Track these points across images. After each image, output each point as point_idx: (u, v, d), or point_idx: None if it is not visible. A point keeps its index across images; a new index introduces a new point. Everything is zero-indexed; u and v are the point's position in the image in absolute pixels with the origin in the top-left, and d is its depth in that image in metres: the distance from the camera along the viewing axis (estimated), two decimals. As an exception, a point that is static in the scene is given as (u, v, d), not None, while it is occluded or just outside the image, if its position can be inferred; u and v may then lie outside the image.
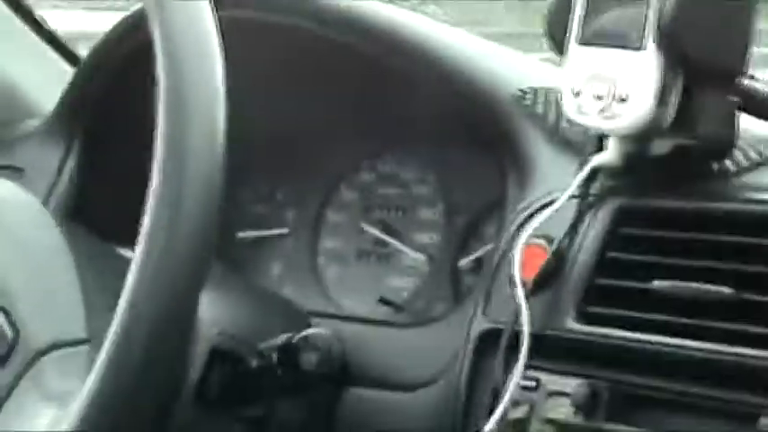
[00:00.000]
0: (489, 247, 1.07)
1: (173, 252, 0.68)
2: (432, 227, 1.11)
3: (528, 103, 0.98)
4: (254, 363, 0.89)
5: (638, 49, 0.84)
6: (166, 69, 0.73)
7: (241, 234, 1.19)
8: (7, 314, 0.78)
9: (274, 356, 0.88)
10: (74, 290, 0.81)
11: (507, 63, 1.03)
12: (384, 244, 1.13)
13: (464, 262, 1.08)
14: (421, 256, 1.11)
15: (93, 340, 0.78)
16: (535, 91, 0.98)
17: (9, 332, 0.78)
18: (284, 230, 1.18)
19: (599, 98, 0.86)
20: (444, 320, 0.99)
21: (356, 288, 1.13)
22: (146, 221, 0.69)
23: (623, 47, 0.85)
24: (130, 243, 0.95)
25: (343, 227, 1.16)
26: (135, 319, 0.68)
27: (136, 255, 0.69)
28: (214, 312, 0.77)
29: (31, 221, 0.86)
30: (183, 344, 0.72)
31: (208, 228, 0.69)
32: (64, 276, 0.82)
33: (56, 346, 0.78)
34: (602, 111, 0.86)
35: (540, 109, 0.97)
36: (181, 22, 0.74)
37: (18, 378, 0.77)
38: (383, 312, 1.09)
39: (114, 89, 1.16)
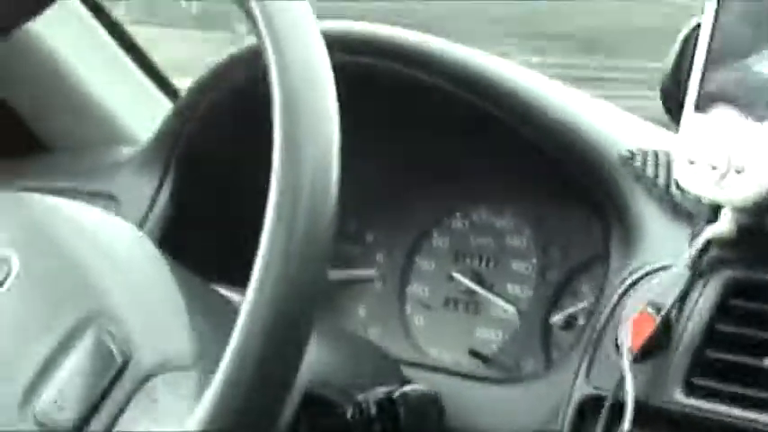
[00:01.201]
0: (583, 304, 1.05)
1: (288, 281, 0.70)
2: (524, 280, 1.10)
3: (637, 164, 0.97)
4: (350, 413, 0.88)
5: (760, 119, 0.83)
6: (282, 107, 0.73)
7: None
8: (116, 337, 0.79)
9: (373, 409, 0.87)
10: (179, 315, 0.82)
11: (615, 121, 1.02)
12: (473, 294, 1.12)
13: (556, 318, 1.07)
14: (511, 309, 1.09)
15: (200, 365, 0.79)
16: (644, 153, 0.97)
17: (119, 354, 0.78)
18: (372, 272, 1.17)
19: (715, 168, 0.85)
20: (538, 380, 0.98)
21: (444, 337, 1.12)
22: (261, 251, 0.71)
23: (744, 116, 0.84)
24: (219, 279, 0.95)
25: (432, 274, 1.15)
26: (251, 342, 0.70)
27: (251, 282, 0.71)
28: (306, 357, 0.77)
29: (134, 247, 0.87)
30: (293, 375, 0.73)
31: (321, 261, 0.71)
32: (169, 302, 0.82)
33: (165, 368, 0.79)
34: (717, 181, 0.84)
35: (650, 172, 0.96)
36: (298, 62, 0.74)
37: (129, 399, 0.77)
38: (472, 364, 1.08)
39: (213, 125, 1.15)
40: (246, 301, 0.71)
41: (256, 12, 0.76)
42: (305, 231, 0.71)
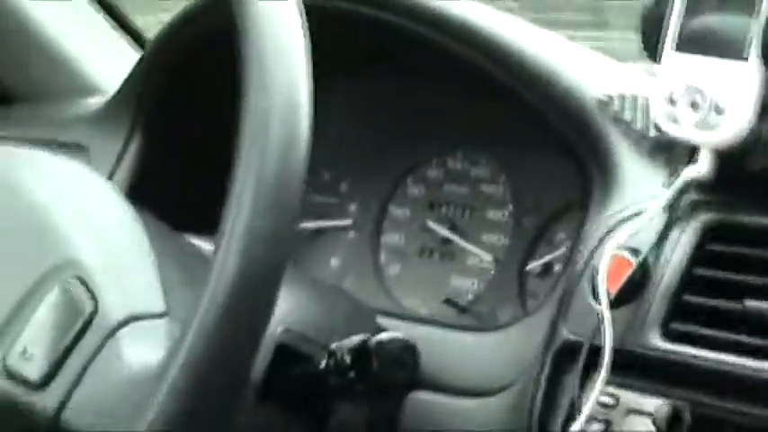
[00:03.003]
0: (559, 252, 1.04)
1: (258, 228, 0.70)
2: (500, 228, 1.09)
3: (615, 108, 0.95)
4: (324, 363, 0.87)
5: (740, 59, 0.81)
6: (250, 54, 0.72)
7: (301, 224, 1.17)
8: (85, 285, 0.78)
9: (347, 358, 0.86)
10: (148, 264, 0.81)
11: (594, 67, 1.00)
12: (449, 242, 1.11)
13: (532, 266, 1.06)
14: (487, 257, 1.08)
15: (170, 314, 0.78)
16: (622, 96, 0.96)
17: (88, 303, 0.77)
18: (347, 222, 1.16)
19: (694, 108, 0.83)
20: (514, 327, 0.97)
21: (418, 287, 1.11)
22: (230, 198, 0.70)
23: (723, 56, 0.82)
24: (191, 228, 0.94)
25: (407, 222, 1.14)
26: (222, 290, 0.69)
27: (220, 230, 0.70)
28: (278, 308, 0.76)
29: (102, 197, 0.86)
30: (264, 323, 0.72)
31: (291, 208, 0.71)
32: (138, 251, 0.81)
33: (134, 318, 0.78)
34: (697, 121, 0.83)
35: (627, 115, 0.94)
36: (266, 7, 0.73)
37: (99, 349, 0.76)
38: (447, 313, 1.07)
39: (180, 74, 1.14)
40: (216, 249, 0.70)
41: None
42: (274, 179, 0.70)
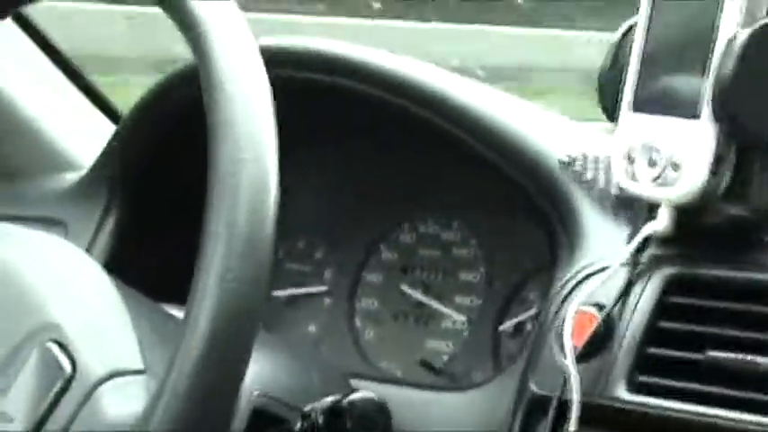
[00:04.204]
0: (531, 312, 1.06)
1: (230, 283, 0.71)
2: (472, 290, 1.11)
3: (577, 168, 0.97)
4: (299, 425, 0.88)
5: (694, 117, 0.84)
6: (218, 124, 0.74)
7: (277, 292, 1.18)
8: (63, 347, 0.79)
9: (320, 419, 0.87)
10: (125, 324, 0.82)
11: (555, 128, 1.02)
12: (423, 306, 1.12)
13: (505, 326, 1.08)
14: (461, 318, 1.10)
15: (148, 371, 0.79)
16: (584, 157, 0.98)
17: (67, 364, 0.79)
18: (322, 289, 1.17)
19: (652, 165, 0.85)
20: (486, 386, 0.98)
21: (394, 350, 1.12)
22: (200, 264, 0.72)
23: (678, 115, 0.85)
24: (168, 300, 0.95)
25: (381, 287, 1.15)
26: (194, 353, 0.71)
27: (191, 294, 0.72)
28: (253, 373, 0.77)
29: (78, 264, 0.87)
30: (236, 384, 0.74)
31: (261, 272, 0.72)
32: (114, 312, 0.83)
33: (114, 374, 0.79)
34: (655, 178, 0.85)
35: (589, 175, 0.97)
36: (234, 80, 0.75)
37: (80, 407, 0.77)
38: (422, 375, 1.08)
39: (155, 146, 1.16)
40: (189, 307, 0.72)
41: (194, 31, 0.77)
42: (243, 246, 0.71)
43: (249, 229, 0.72)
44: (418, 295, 1.12)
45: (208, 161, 0.73)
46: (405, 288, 1.13)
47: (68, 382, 0.78)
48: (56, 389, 0.78)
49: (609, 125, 0.90)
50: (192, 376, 0.70)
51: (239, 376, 0.72)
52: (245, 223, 0.71)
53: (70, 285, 0.84)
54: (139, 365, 0.79)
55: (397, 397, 0.98)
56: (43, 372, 0.79)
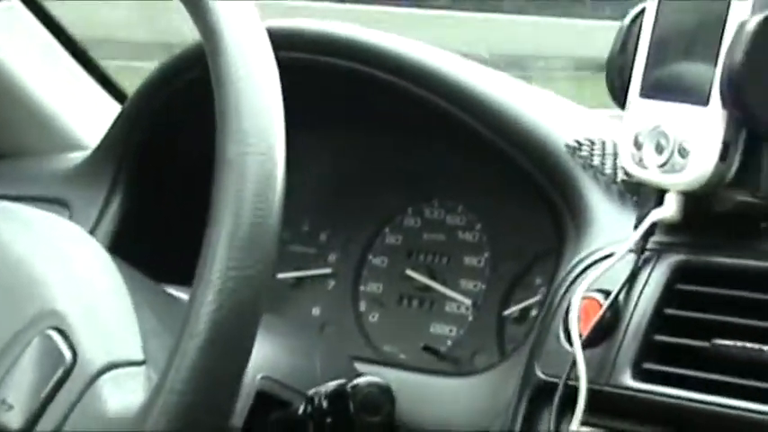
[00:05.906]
0: (536, 298, 1.06)
1: (234, 271, 0.70)
2: (477, 275, 1.10)
3: (584, 153, 0.97)
4: (302, 409, 0.88)
5: (703, 104, 0.83)
6: (225, 105, 0.74)
7: (282, 275, 1.18)
8: (64, 335, 0.79)
9: (324, 403, 0.87)
10: (127, 313, 0.82)
11: (562, 113, 1.02)
12: (427, 290, 1.12)
13: (510, 311, 1.07)
14: (466, 303, 1.10)
15: (149, 361, 0.79)
16: (591, 142, 0.97)
17: (68, 353, 0.78)
18: (327, 271, 1.17)
19: (660, 152, 0.85)
20: (491, 371, 0.98)
21: (398, 334, 1.12)
22: (205, 247, 0.71)
23: (687, 101, 0.84)
24: (173, 281, 0.95)
25: (386, 271, 1.15)
26: (196, 339, 0.70)
27: (195, 279, 0.71)
28: (257, 356, 0.77)
29: (81, 248, 0.87)
30: (240, 370, 0.73)
31: (266, 257, 0.71)
32: (116, 300, 0.82)
33: (114, 365, 0.78)
34: (662, 165, 0.85)
35: (596, 161, 0.96)
36: (241, 61, 0.74)
37: (79, 397, 0.77)
38: (426, 360, 1.08)
39: (160, 128, 1.16)
40: (192, 295, 0.71)
41: (200, 11, 0.77)
42: (249, 223, 0.71)
43: (254, 219, 0.71)
44: (423, 279, 1.12)
45: (215, 148, 0.73)
46: (409, 272, 1.13)
47: (68, 371, 0.78)
48: (56, 377, 0.78)
49: (617, 111, 0.90)
50: (193, 368, 0.70)
51: (242, 366, 0.72)
52: (251, 213, 0.71)
53: (73, 270, 0.83)
54: (140, 356, 0.79)
55: (401, 381, 0.98)
56: (43, 360, 0.78)
